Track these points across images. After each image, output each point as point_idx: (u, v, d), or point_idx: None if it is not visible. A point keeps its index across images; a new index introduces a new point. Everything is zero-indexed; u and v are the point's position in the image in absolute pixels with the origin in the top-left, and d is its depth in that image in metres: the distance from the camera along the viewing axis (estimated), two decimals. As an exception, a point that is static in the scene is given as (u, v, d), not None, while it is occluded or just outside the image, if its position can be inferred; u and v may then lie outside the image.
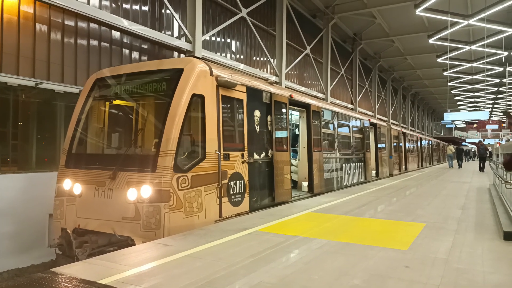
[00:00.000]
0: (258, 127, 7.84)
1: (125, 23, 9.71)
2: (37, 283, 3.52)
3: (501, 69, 27.86)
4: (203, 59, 8.09)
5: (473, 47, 22.26)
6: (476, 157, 29.48)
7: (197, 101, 6.21)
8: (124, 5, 10.04)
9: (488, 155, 24.14)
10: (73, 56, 8.84)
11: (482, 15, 16.70)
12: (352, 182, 13.51)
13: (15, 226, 7.25)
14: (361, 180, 14.48)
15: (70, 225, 6.17)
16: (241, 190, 7.04)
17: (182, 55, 11.71)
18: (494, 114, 61.36)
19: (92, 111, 7.04)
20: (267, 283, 3.57)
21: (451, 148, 27.24)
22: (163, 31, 11.17)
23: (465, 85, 36.84)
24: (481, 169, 22.28)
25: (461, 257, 4.44)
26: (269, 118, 8.24)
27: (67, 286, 3.46)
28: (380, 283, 3.56)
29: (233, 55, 14.34)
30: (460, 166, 27.20)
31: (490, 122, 48.04)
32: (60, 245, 6.05)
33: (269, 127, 8.22)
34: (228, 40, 14.09)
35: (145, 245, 4.93)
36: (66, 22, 8.68)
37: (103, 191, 5.91)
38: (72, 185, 6.28)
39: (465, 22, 17.61)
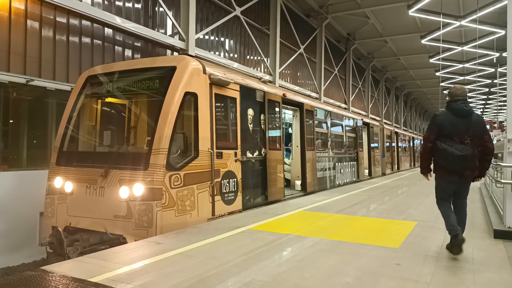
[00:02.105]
0: (251, 125, 7.84)
1: (118, 21, 9.64)
2: (27, 281, 3.49)
3: (492, 70, 28.11)
4: (196, 57, 8.06)
5: (465, 48, 22.42)
6: None
7: (190, 99, 6.19)
8: (117, 3, 9.96)
9: None
10: (65, 53, 8.74)
11: (474, 17, 16.83)
12: (345, 181, 13.57)
13: (5, 224, 7.17)
14: (354, 179, 14.55)
15: (61, 223, 6.12)
16: (234, 188, 7.03)
17: (175, 53, 11.66)
18: (485, 114, 61.99)
19: (84, 108, 6.98)
20: (259, 281, 3.56)
21: None
22: (156, 29, 11.11)
23: (457, 86, 37.09)
24: None
25: (451, 255, 4.47)
26: (262, 116, 8.24)
27: (57, 284, 3.43)
28: (372, 281, 3.58)
29: (226, 54, 14.31)
30: None
31: (482, 123, 48.96)
32: (51, 243, 6.00)
33: (263, 126, 8.22)
34: (222, 39, 14.05)
35: (137, 243, 4.91)
36: (58, 19, 8.58)
37: (95, 189, 5.87)
38: (64, 183, 6.23)
39: (457, 23, 17.73)
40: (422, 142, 4.57)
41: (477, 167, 4.43)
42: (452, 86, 4.77)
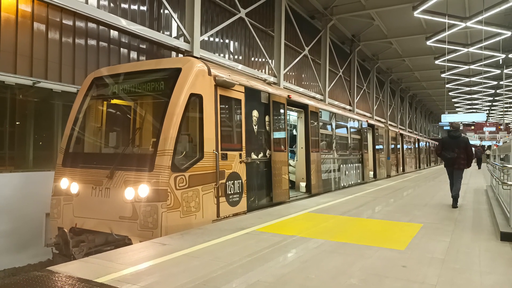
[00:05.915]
0: (256, 127, 7.85)
1: (124, 23, 9.70)
2: (33, 282, 3.51)
3: (498, 71, 27.96)
4: (201, 59, 8.08)
5: (471, 49, 22.32)
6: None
7: (195, 100, 6.20)
8: (123, 5, 10.02)
9: (485, 155, 30.12)
10: (71, 55, 8.81)
11: (480, 18, 16.77)
12: (350, 183, 13.53)
13: (12, 225, 7.22)
14: (358, 181, 14.50)
15: (67, 224, 6.15)
16: (238, 190, 7.04)
17: (180, 55, 11.70)
18: (491, 116, 61.51)
19: (89, 110, 7.02)
20: (264, 282, 3.56)
21: None
22: (161, 31, 11.16)
23: (463, 87, 36.96)
24: (479, 166, 28.17)
25: (458, 257, 4.45)
26: (267, 118, 8.24)
27: (63, 284, 3.45)
28: (377, 282, 3.56)
29: (231, 56, 14.34)
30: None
31: (488, 124, 48.25)
32: (57, 244, 6.03)
33: (267, 127, 8.22)
34: (227, 41, 14.10)
35: (142, 244, 4.92)
36: (64, 21, 8.66)
37: (101, 190, 5.90)
38: (69, 184, 6.26)
39: (463, 24, 17.67)
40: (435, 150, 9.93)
41: (462, 164, 8.24)
42: (452, 122, 8.74)
